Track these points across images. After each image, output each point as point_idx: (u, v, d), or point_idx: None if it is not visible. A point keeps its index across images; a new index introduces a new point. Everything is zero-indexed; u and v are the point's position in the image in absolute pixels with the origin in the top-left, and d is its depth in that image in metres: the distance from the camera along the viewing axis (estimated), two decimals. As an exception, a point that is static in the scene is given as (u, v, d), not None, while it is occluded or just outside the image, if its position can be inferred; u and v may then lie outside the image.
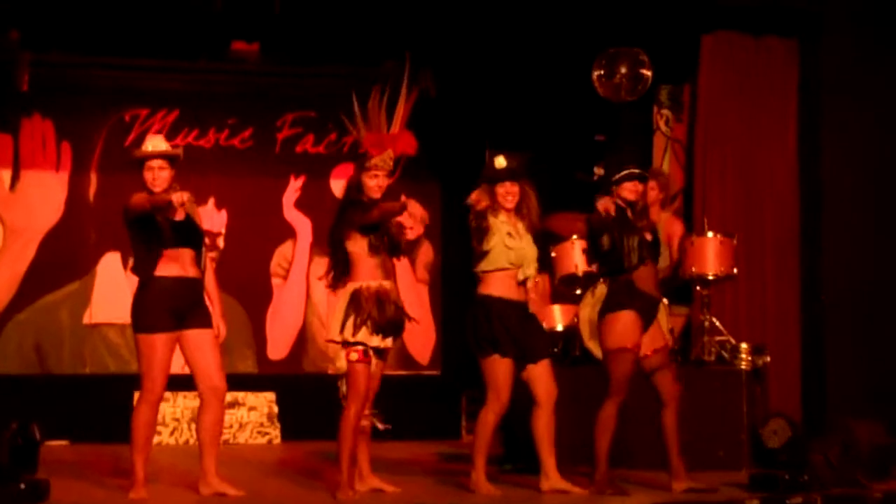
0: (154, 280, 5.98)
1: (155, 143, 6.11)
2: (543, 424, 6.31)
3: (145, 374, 5.97)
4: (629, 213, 6.39)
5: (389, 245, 6.18)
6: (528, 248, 6.35)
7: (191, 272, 6.06)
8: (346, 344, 6.08)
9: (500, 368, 6.24)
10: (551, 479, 6.31)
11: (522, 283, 6.35)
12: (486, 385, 6.30)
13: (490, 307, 6.27)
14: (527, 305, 6.37)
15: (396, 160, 6.29)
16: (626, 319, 6.31)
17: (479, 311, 6.30)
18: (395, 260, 6.28)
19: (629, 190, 6.37)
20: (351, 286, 6.12)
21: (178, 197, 5.86)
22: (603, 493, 6.26)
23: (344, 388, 6.16)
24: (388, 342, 6.17)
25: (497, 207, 6.33)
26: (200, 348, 6.04)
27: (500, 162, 6.34)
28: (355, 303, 6.08)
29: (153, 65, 9.81)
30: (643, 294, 6.34)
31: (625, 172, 6.38)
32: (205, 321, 6.08)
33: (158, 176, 6.02)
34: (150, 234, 6.00)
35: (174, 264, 6.00)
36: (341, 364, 6.15)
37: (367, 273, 6.12)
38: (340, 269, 6.18)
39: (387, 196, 6.28)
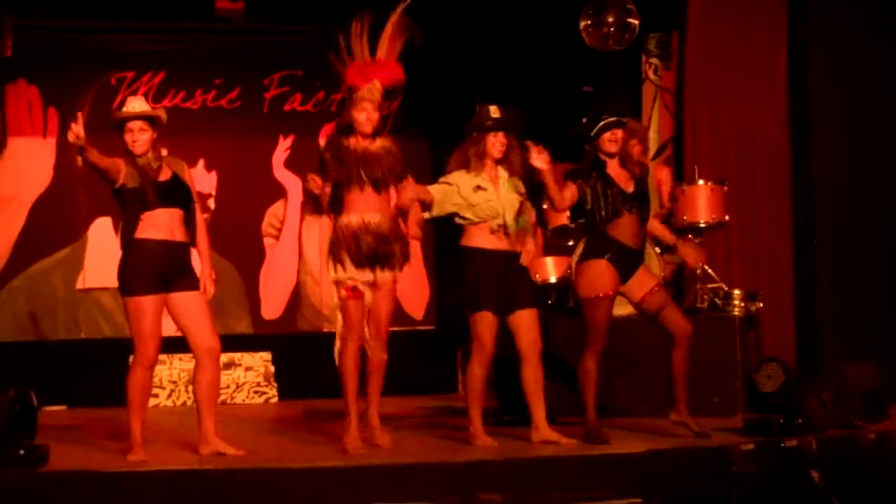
0: (137, 242, 5.93)
1: (135, 104, 6.03)
2: (530, 377, 6.35)
3: (136, 338, 5.96)
4: (608, 167, 6.40)
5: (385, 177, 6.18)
6: (506, 198, 6.33)
7: (178, 235, 6.01)
8: (336, 282, 6.13)
9: (481, 321, 6.27)
10: (540, 430, 6.35)
11: (505, 233, 6.34)
12: (472, 337, 6.33)
13: (469, 259, 6.32)
14: (510, 254, 6.34)
15: (385, 93, 6.25)
16: (595, 268, 6.34)
17: (460, 264, 6.35)
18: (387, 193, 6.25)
19: (608, 140, 6.38)
20: (336, 223, 6.18)
21: (71, 133, 5.71)
22: (592, 441, 6.31)
23: (338, 326, 6.19)
24: (376, 275, 6.17)
25: (473, 159, 6.32)
26: (189, 311, 6.02)
27: (494, 111, 6.34)
28: (334, 241, 6.16)
29: (138, 27, 9.75)
30: (618, 244, 6.36)
31: (600, 124, 6.39)
32: (191, 283, 6.04)
33: (139, 138, 5.97)
34: (131, 196, 5.95)
35: (159, 227, 5.95)
36: (333, 300, 6.19)
37: (350, 208, 6.15)
38: (328, 203, 6.19)
39: (382, 132, 6.24)
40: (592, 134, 6.41)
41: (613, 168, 6.43)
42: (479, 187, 6.32)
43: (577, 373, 6.44)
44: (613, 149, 6.40)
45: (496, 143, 6.33)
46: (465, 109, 10.04)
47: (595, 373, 6.38)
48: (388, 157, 6.23)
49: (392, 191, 6.31)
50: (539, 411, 6.37)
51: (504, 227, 6.32)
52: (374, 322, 6.27)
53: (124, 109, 6.04)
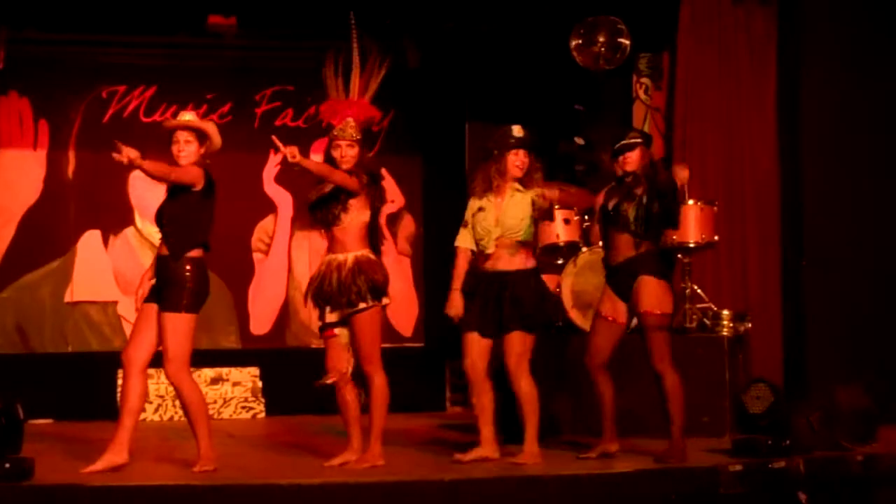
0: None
1: (184, 115, 6.16)
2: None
3: None
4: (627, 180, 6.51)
5: (324, 218, 6.28)
6: (509, 214, 6.38)
7: (163, 249, 6.08)
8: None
9: (464, 339, 6.41)
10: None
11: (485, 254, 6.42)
12: None
13: (466, 280, 6.43)
14: (505, 275, 6.37)
15: (364, 128, 6.30)
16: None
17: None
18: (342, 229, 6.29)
19: (621, 163, 6.51)
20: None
21: (123, 157, 5.74)
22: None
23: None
24: (346, 312, 6.23)
25: (495, 176, 6.37)
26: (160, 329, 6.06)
27: (517, 130, 6.39)
28: (313, 278, 6.33)
29: (130, 41, 9.72)
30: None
31: (617, 146, 6.50)
32: (161, 297, 6.00)
33: (184, 149, 6.03)
34: None
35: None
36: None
37: (326, 249, 6.31)
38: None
39: (361, 166, 6.29)
40: (613, 154, 6.55)
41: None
42: (480, 209, 6.44)
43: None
44: (629, 168, 6.47)
45: (517, 161, 6.40)
46: (456, 126, 10.12)
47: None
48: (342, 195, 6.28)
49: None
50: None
51: (485, 246, 6.39)
52: (359, 355, 6.32)
53: (175, 120, 6.13)
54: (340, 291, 6.21)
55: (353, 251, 6.26)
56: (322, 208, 6.29)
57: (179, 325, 5.94)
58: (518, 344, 6.33)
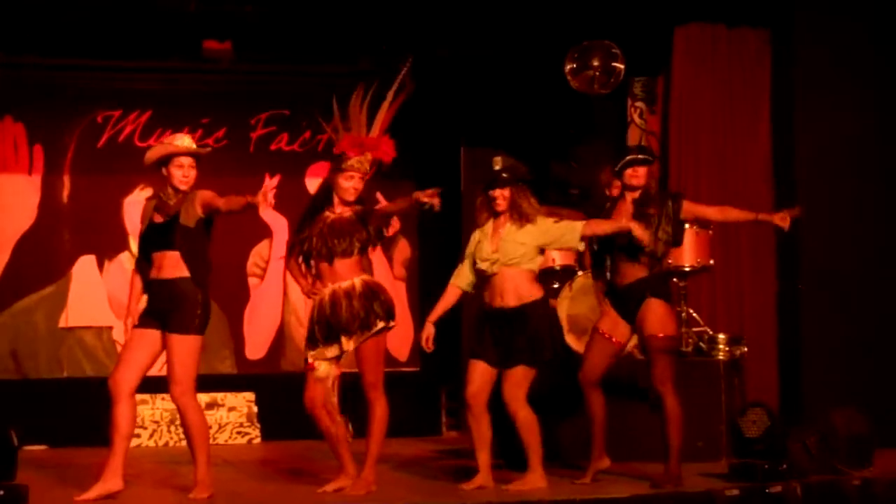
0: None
1: (185, 141, 6.14)
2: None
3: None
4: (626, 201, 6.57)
5: (325, 252, 6.26)
6: (508, 245, 6.37)
7: (164, 273, 6.03)
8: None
9: (470, 367, 6.40)
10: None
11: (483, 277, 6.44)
12: None
13: (477, 312, 6.46)
14: (505, 311, 6.34)
15: (373, 164, 6.30)
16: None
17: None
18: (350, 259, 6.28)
19: (630, 175, 6.52)
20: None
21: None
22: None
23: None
24: (349, 344, 6.21)
25: (483, 213, 6.45)
26: (166, 351, 6.04)
27: (496, 163, 6.41)
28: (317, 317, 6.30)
29: (125, 66, 9.73)
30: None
31: (624, 160, 6.51)
32: (174, 324, 5.98)
33: (189, 174, 6.07)
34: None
35: (151, 266, 6.08)
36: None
37: (321, 277, 6.29)
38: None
39: (361, 200, 6.30)
40: (617, 169, 6.55)
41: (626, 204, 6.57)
42: (479, 241, 6.46)
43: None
44: (636, 182, 6.50)
45: (497, 198, 6.40)
46: (450, 151, 10.13)
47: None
48: (352, 227, 6.27)
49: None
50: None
51: (485, 270, 6.37)
52: (364, 380, 6.29)
53: (177, 144, 6.09)
54: (353, 316, 6.19)
55: (356, 276, 6.26)
56: (329, 243, 6.25)
57: (190, 347, 5.97)
58: (521, 377, 6.32)
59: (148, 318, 6.05)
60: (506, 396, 6.32)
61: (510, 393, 6.30)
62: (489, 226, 6.44)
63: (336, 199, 6.31)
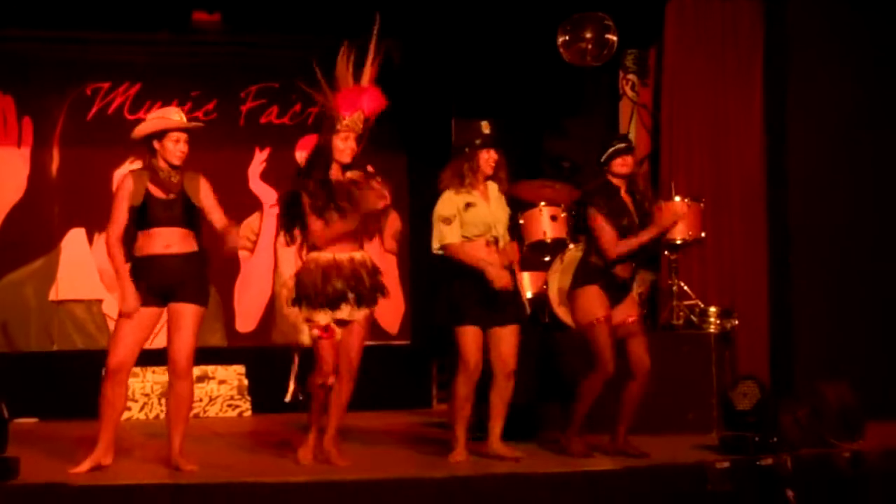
0: (135, 260, 6.05)
1: (179, 115, 6.10)
2: (494, 392, 6.35)
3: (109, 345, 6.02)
4: (621, 193, 6.52)
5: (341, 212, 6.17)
6: (497, 213, 6.35)
7: (173, 248, 6.01)
8: (308, 320, 6.14)
9: (464, 335, 6.25)
10: (492, 445, 6.36)
11: (496, 245, 6.36)
12: (457, 354, 6.31)
13: (458, 274, 6.29)
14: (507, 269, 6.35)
15: (365, 123, 6.26)
16: (589, 293, 6.43)
17: (448, 280, 6.33)
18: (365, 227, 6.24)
19: (619, 164, 6.49)
20: (306, 258, 6.19)
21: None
22: (572, 455, 6.38)
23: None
24: (347, 312, 6.14)
25: (468, 174, 6.32)
26: (172, 322, 6.02)
27: (485, 127, 6.36)
28: (302, 278, 6.16)
29: (114, 38, 9.67)
30: (612, 274, 6.46)
31: (612, 149, 6.47)
32: (185, 295, 6.01)
33: (184, 149, 6.05)
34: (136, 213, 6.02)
35: (155, 243, 6.00)
36: (305, 339, 6.17)
37: (324, 244, 6.14)
38: (301, 237, 6.20)
39: (356, 163, 6.25)
40: (603, 159, 6.50)
41: (623, 196, 6.52)
42: (469, 204, 6.33)
43: (575, 389, 6.48)
44: (625, 171, 6.48)
45: (489, 159, 6.35)
46: (441, 123, 10.09)
47: (595, 394, 6.43)
48: (369, 192, 6.21)
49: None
50: (496, 425, 6.36)
51: (496, 240, 6.33)
52: (345, 357, 6.23)
53: (174, 118, 6.04)
54: (373, 288, 6.19)
55: (361, 249, 6.25)
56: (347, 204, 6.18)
57: (201, 318, 6.07)
58: (518, 338, 6.33)
59: (149, 296, 6.00)
60: (508, 355, 6.30)
61: (512, 351, 6.30)
62: (475, 192, 6.36)
63: (334, 164, 6.23)
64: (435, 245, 6.37)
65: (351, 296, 6.15)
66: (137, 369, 8.95)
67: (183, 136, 6.05)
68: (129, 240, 6.03)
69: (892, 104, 8.60)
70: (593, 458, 6.40)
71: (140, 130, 6.09)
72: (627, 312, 6.52)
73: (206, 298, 6.09)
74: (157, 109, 6.19)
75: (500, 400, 6.35)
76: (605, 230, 6.41)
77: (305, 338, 6.22)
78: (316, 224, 6.15)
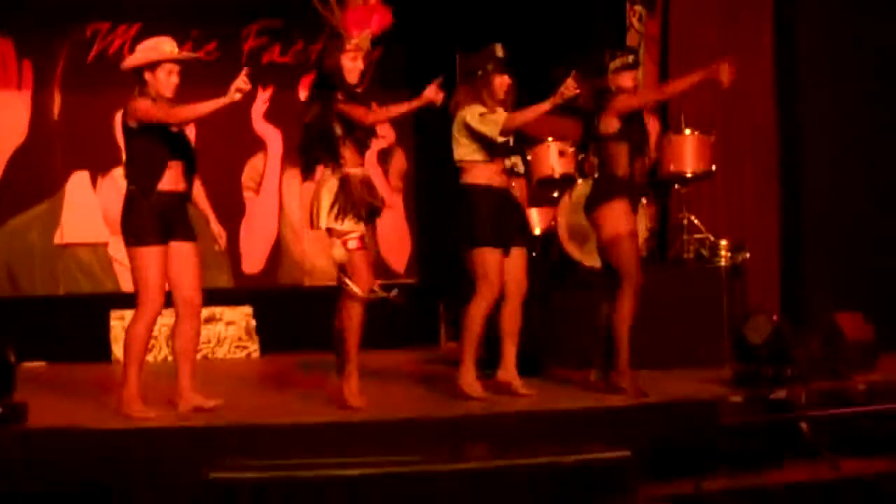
0: (157, 193, 5.84)
1: (171, 46, 5.94)
2: (508, 316, 6.31)
3: (141, 289, 5.87)
4: None
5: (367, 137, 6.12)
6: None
7: (180, 185, 5.94)
8: (343, 234, 5.98)
9: (490, 256, 6.19)
10: (508, 370, 6.34)
11: (507, 172, 6.33)
12: (476, 277, 6.21)
13: (474, 196, 6.25)
14: (509, 192, 6.35)
15: (372, 42, 6.17)
16: (617, 208, 6.30)
17: (464, 203, 6.27)
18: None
19: (627, 77, 6.40)
20: (338, 173, 6.01)
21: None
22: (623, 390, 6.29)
23: (346, 279, 6.02)
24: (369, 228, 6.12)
25: (487, 99, 6.25)
26: (178, 260, 5.93)
27: (499, 51, 6.29)
28: (341, 193, 5.99)
29: (112, -24, 9.58)
30: (633, 184, 6.39)
31: (623, 62, 6.40)
32: (187, 233, 5.97)
33: (175, 81, 5.93)
34: (155, 143, 5.86)
35: (169, 178, 5.87)
36: (339, 253, 6.02)
37: (352, 161, 6.04)
38: (325, 155, 6.05)
39: (362, 83, 6.17)
40: (613, 68, 6.37)
41: None
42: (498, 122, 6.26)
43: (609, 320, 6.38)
44: (631, 85, 6.37)
45: (502, 84, 6.30)
46: (445, 57, 9.95)
47: (633, 309, 6.29)
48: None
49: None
50: (510, 351, 6.34)
51: (514, 166, 6.34)
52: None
53: (166, 49, 5.90)
54: (376, 205, 6.14)
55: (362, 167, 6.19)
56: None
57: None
58: (525, 261, 6.33)
59: (168, 233, 5.90)
60: (523, 277, 6.28)
61: (525, 274, 6.25)
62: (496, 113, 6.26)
63: (342, 87, 6.11)
64: (494, 131, 6.19)
65: (370, 212, 6.10)
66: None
67: (175, 67, 5.93)
68: (144, 171, 5.88)
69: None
70: (647, 397, 6.27)
71: (131, 61, 5.96)
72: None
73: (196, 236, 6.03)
74: (149, 40, 6.03)
75: (514, 325, 6.33)
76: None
77: (339, 252, 6.07)
78: (359, 110, 6.04)
